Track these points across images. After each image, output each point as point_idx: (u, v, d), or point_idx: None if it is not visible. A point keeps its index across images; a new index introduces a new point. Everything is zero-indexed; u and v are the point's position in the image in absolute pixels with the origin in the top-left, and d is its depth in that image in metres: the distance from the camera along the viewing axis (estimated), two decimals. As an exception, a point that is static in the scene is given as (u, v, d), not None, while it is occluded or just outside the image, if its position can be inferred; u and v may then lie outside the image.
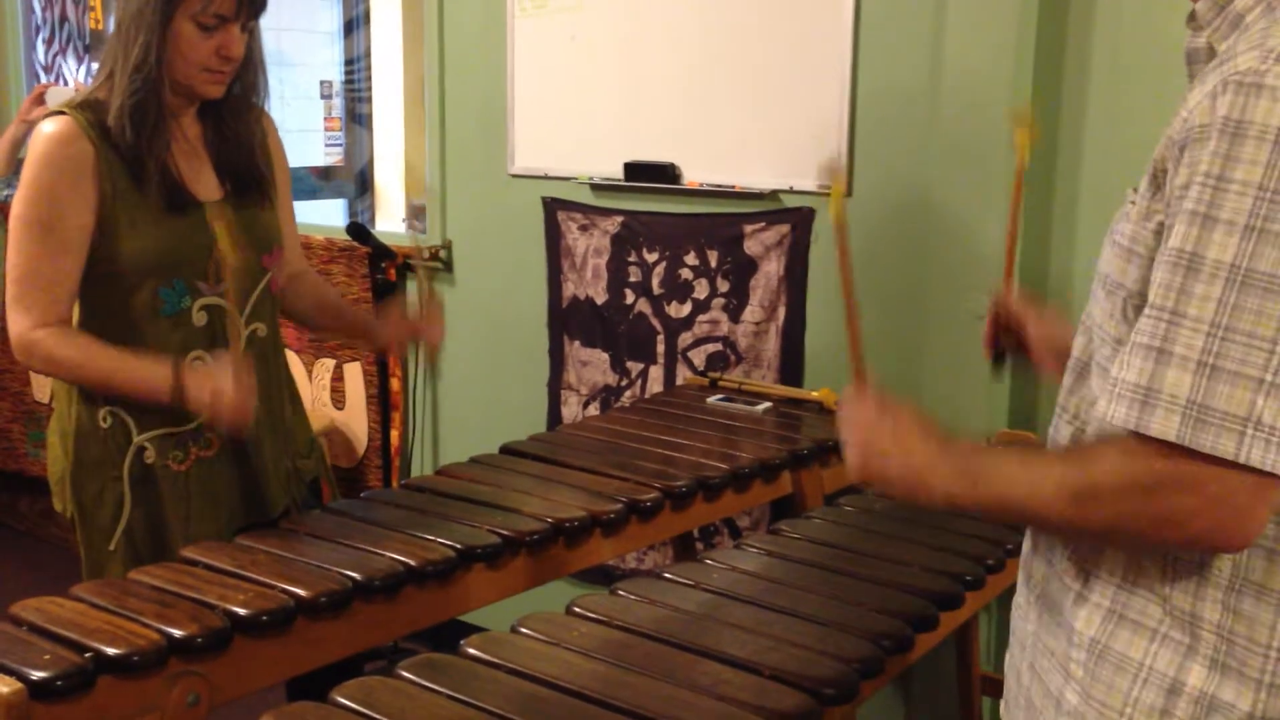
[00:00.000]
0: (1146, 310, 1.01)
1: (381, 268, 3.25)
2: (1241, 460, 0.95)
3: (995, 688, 2.53)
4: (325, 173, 5.07)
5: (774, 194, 2.81)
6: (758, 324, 2.88)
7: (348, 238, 3.27)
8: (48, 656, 1.45)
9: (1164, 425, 0.98)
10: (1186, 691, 1.07)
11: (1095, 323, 1.16)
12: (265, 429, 2.10)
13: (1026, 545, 1.29)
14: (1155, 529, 1.02)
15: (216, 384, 1.86)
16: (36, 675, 1.41)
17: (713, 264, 2.92)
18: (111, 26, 1.97)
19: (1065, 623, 1.17)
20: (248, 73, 2.04)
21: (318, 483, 2.30)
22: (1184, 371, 0.97)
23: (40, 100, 3.79)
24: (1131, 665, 1.10)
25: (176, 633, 1.54)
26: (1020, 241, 1.89)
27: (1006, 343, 1.64)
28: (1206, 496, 0.98)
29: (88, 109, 1.94)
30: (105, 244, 1.94)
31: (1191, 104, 1.02)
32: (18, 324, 1.92)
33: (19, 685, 1.39)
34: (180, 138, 2.01)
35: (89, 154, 1.91)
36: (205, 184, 2.03)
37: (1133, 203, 1.11)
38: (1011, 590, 2.00)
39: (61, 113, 1.94)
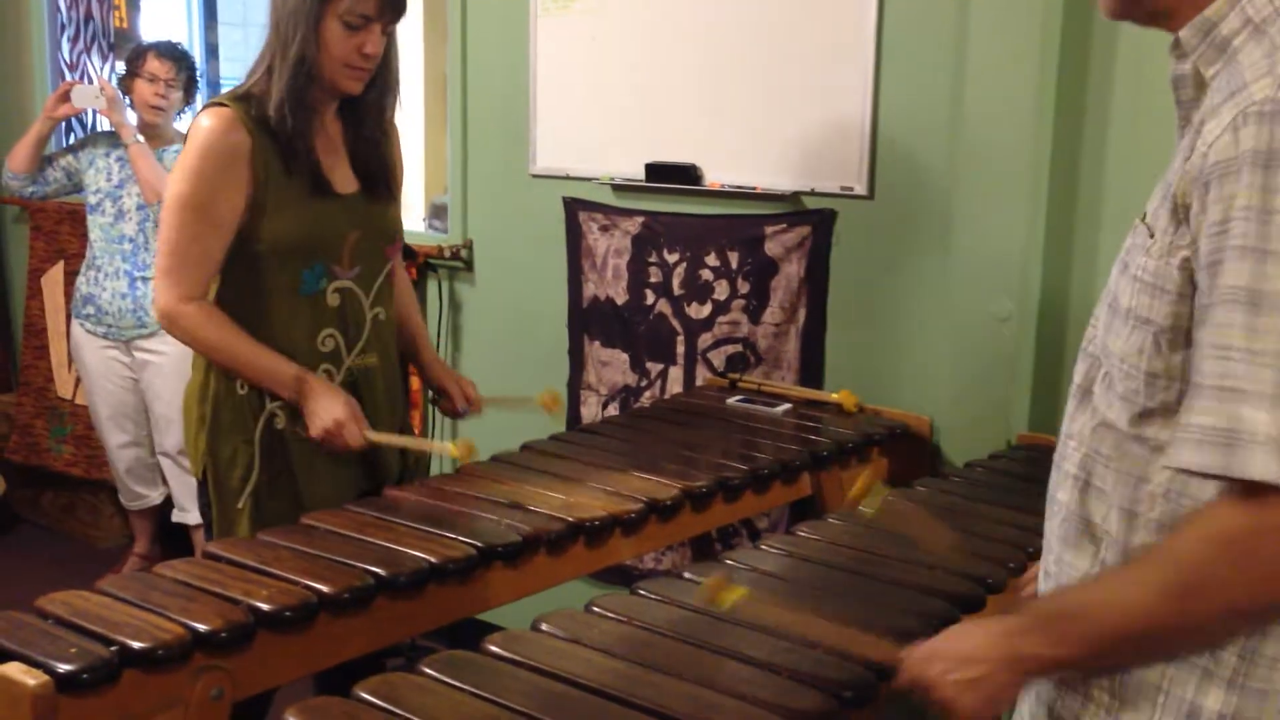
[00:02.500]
0: (1208, 351, 0.98)
1: (403, 267, 3.26)
2: None
3: (1013, 691, 2.52)
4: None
5: (795, 195, 2.81)
6: (778, 325, 2.88)
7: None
8: (74, 649, 1.47)
9: (1263, 466, 0.92)
10: (1205, 715, 1.07)
11: (1111, 354, 1.14)
12: (384, 403, 2.25)
13: (1045, 555, 1.28)
14: (1268, 587, 0.95)
15: (336, 415, 2.06)
16: (63, 668, 1.43)
17: (733, 265, 2.93)
18: (268, 21, 2.11)
19: None
20: (383, 75, 2.18)
21: (419, 460, 2.43)
22: (1259, 410, 0.93)
23: (65, 98, 3.81)
24: (1150, 690, 1.09)
25: (201, 627, 1.55)
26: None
27: None
28: None
29: (245, 101, 2.09)
30: (254, 225, 2.09)
31: (1210, 138, 1.01)
32: (166, 294, 2.09)
33: (46, 677, 1.40)
34: (322, 133, 2.16)
35: (246, 143, 2.06)
36: (342, 177, 2.19)
37: (1151, 237, 1.09)
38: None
39: (221, 104, 2.09)
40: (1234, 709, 1.06)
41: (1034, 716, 1.24)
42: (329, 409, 2.07)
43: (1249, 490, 0.94)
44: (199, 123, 2.09)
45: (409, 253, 3.24)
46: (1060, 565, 1.21)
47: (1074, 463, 1.18)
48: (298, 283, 2.12)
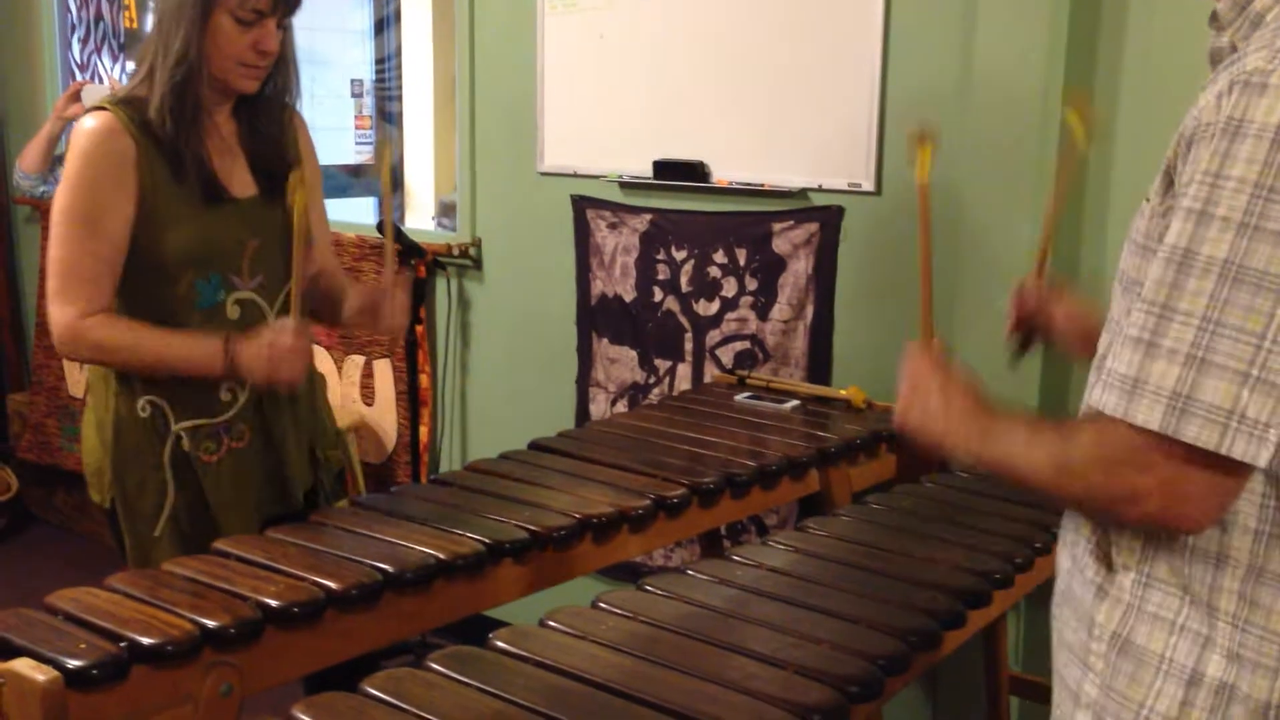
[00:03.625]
0: (1138, 304, 1.03)
1: (412, 265, 3.27)
2: (1224, 452, 0.98)
3: (1023, 688, 2.52)
4: (356, 170, 5.09)
5: (803, 192, 2.81)
6: (786, 322, 2.88)
7: (378, 235, 3.30)
8: (83, 646, 1.47)
9: (1148, 415, 1.00)
10: (1206, 682, 1.08)
11: (1113, 320, 1.18)
12: (290, 420, 2.14)
13: (1059, 542, 1.30)
14: (1115, 504, 1.06)
15: (275, 339, 1.93)
16: (73, 664, 1.43)
17: (741, 262, 2.93)
18: (150, 23, 2.01)
19: (1085, 616, 1.18)
20: (281, 71, 2.08)
21: (343, 473, 2.34)
22: (1172, 364, 1.00)
23: (75, 98, 3.84)
24: (1152, 658, 1.11)
25: (210, 623, 1.56)
26: (1055, 233, 1.89)
27: (1032, 328, 1.64)
28: (1161, 478, 1.02)
29: (128, 105, 1.98)
30: (145, 236, 1.97)
31: (1201, 103, 1.04)
32: (63, 315, 1.95)
33: (55, 673, 1.41)
34: (215, 134, 2.05)
35: (130, 148, 1.95)
36: (239, 181, 2.07)
37: (1148, 201, 1.13)
38: (1041, 589, 1.99)
39: (102, 108, 1.98)
40: (1234, 677, 1.08)
41: (1059, 689, 1.26)
42: (258, 342, 1.93)
43: (1132, 432, 1.02)
44: (79, 128, 1.96)
45: (417, 251, 3.25)
46: (1078, 535, 1.23)
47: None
48: (194, 296, 2.00)
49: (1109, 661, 1.14)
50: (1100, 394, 1.05)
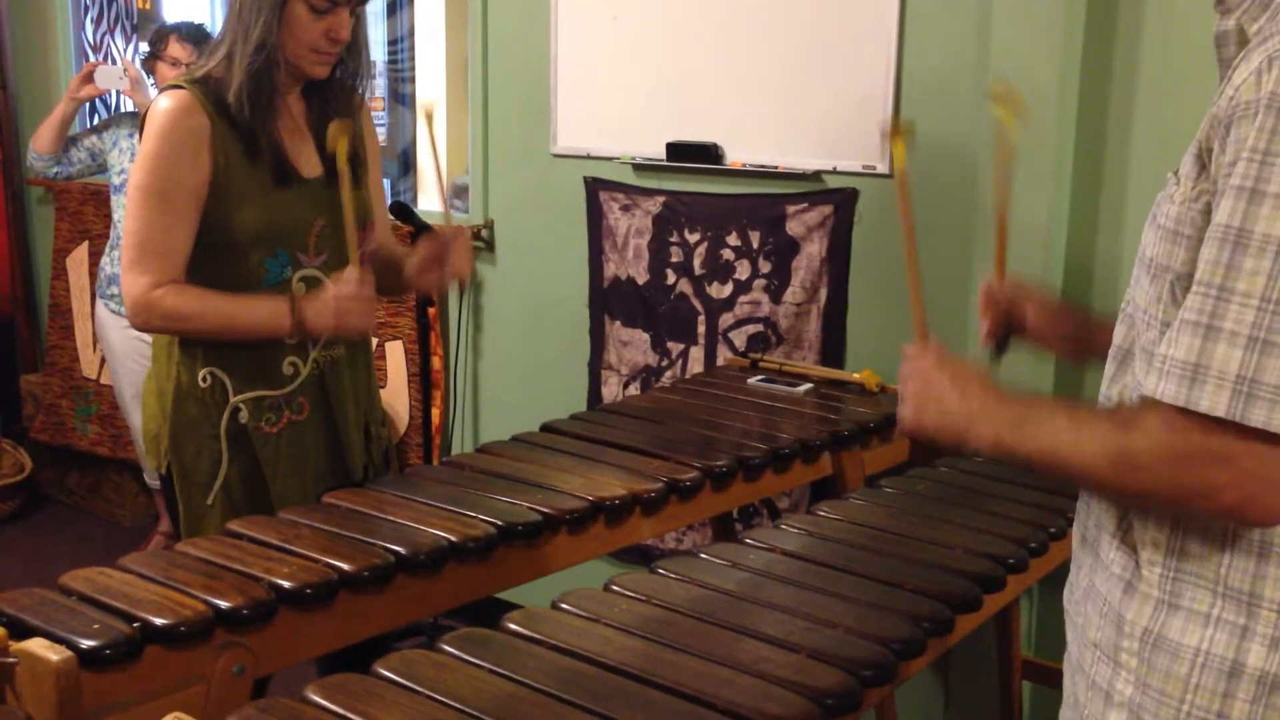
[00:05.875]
0: (1194, 287, 1.00)
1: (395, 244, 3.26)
2: None
3: (1037, 672, 2.52)
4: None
5: (817, 174, 2.80)
6: (799, 305, 2.87)
7: (391, 217, 3.29)
8: (97, 626, 1.48)
9: (1213, 401, 0.97)
10: (1247, 673, 1.07)
11: (1139, 308, 1.15)
12: (350, 395, 2.20)
13: (1076, 537, 1.28)
14: (1188, 499, 1.03)
15: (338, 291, 2.00)
16: (86, 644, 1.44)
17: (754, 245, 2.91)
18: (226, 8, 2.09)
19: (1113, 613, 1.16)
20: (352, 57, 2.14)
21: (388, 452, 2.39)
22: (1233, 347, 0.97)
23: (89, 79, 3.83)
24: (1188, 651, 1.10)
25: (223, 604, 1.56)
26: (1008, 231, 1.87)
27: (1005, 329, 1.63)
28: (1240, 470, 0.99)
29: (204, 84, 2.04)
30: (216, 213, 2.03)
31: (1238, 81, 1.02)
32: (136, 285, 2.02)
33: (69, 653, 1.41)
34: (286, 115, 2.11)
35: (205, 126, 2.01)
36: (307, 162, 2.12)
37: (1176, 185, 1.10)
38: (1055, 573, 1.99)
39: (179, 87, 2.03)
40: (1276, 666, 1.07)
41: (1073, 685, 1.25)
42: (323, 297, 2.01)
43: (1202, 421, 0.99)
44: (156, 106, 2.03)
45: (429, 232, 3.24)
46: (1100, 531, 1.21)
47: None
48: (262, 272, 2.07)
49: (1143, 659, 1.12)
50: (1158, 382, 1.02)
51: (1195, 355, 0.99)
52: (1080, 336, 1.55)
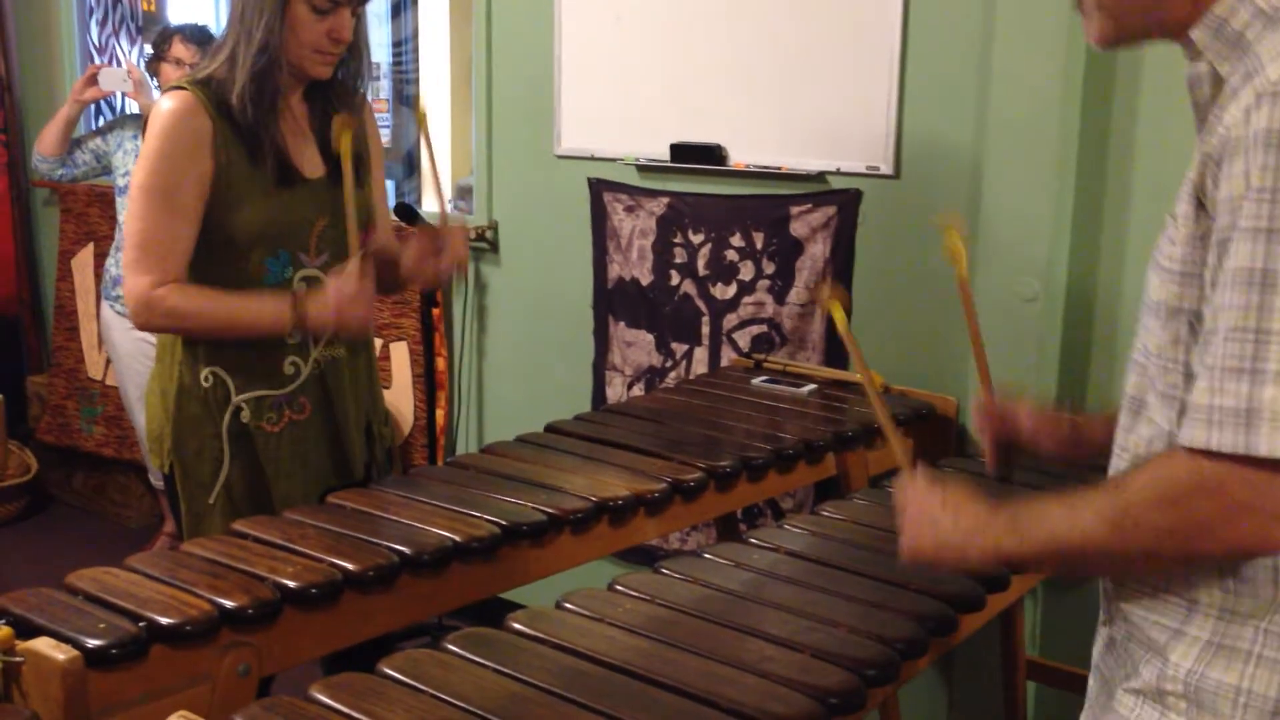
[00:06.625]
0: (1225, 334, 1.00)
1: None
2: None
3: (1040, 672, 2.52)
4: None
5: (821, 175, 2.80)
6: (803, 306, 2.87)
7: (395, 218, 3.29)
8: (103, 625, 1.48)
9: (1272, 444, 0.96)
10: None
11: (1151, 354, 1.15)
12: (350, 394, 2.21)
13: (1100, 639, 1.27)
14: (1191, 539, 1.02)
15: (338, 287, 1.99)
16: (92, 643, 1.44)
17: (758, 245, 2.92)
18: (229, 9, 2.08)
19: (1158, 656, 1.15)
20: (353, 57, 2.14)
21: (390, 451, 2.40)
22: None
23: (93, 81, 3.84)
24: (1229, 691, 1.09)
25: (228, 604, 1.56)
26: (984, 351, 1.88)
27: (1006, 446, 1.59)
28: (1246, 502, 0.99)
29: (206, 85, 2.04)
30: (217, 214, 2.04)
31: (1229, 120, 1.02)
32: (137, 284, 2.02)
33: (75, 652, 1.42)
34: (288, 116, 2.12)
35: (207, 127, 2.02)
36: (309, 162, 2.14)
37: (1175, 227, 1.11)
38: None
39: (181, 88, 2.04)
40: None
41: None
42: (323, 294, 2.01)
43: (1208, 454, 0.99)
44: (159, 107, 2.04)
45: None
46: (1140, 584, 1.20)
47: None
48: (263, 272, 2.08)
49: (1190, 699, 1.12)
50: (1208, 433, 1.00)
51: (1245, 401, 0.98)
52: (1074, 439, 1.53)
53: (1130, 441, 1.19)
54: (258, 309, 2.04)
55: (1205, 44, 1.10)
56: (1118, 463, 1.22)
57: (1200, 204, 1.06)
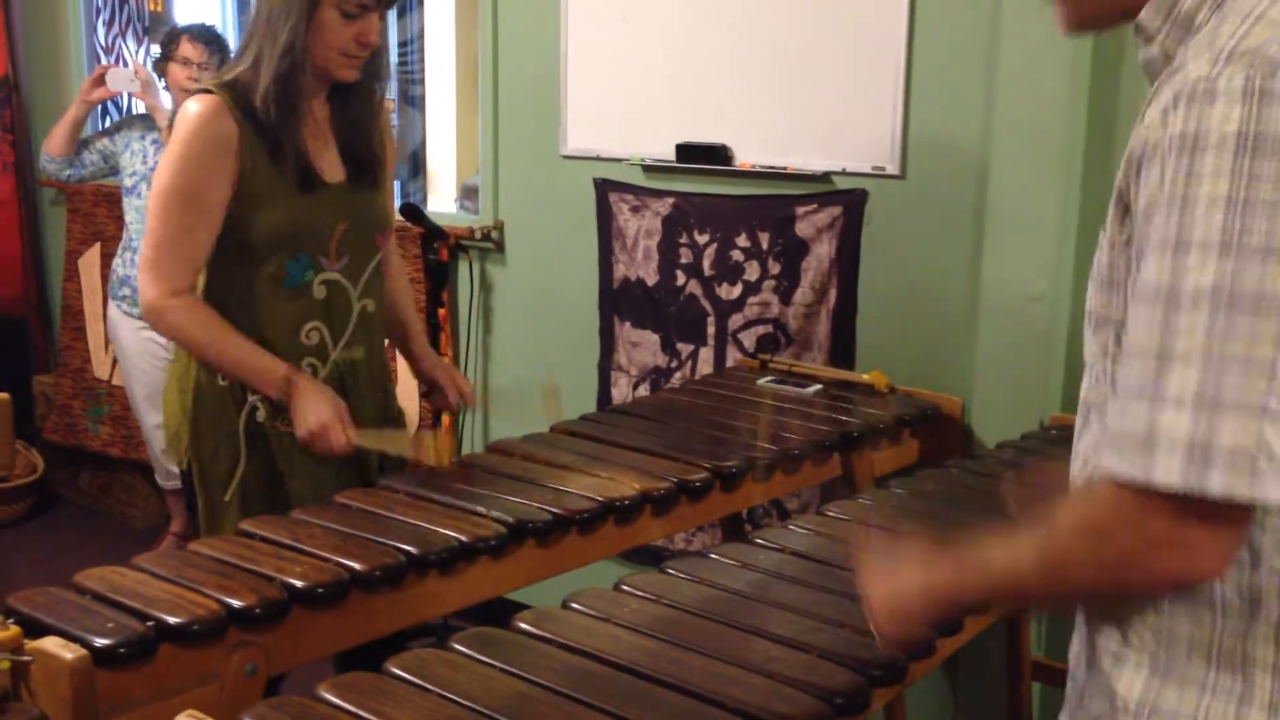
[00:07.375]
0: (1130, 353, 0.94)
1: (434, 248, 3.28)
2: (1259, 499, 0.88)
3: (1045, 674, 2.52)
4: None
5: (826, 176, 2.80)
6: (809, 306, 2.87)
7: (401, 218, 3.30)
8: (111, 624, 1.49)
9: (1167, 474, 0.89)
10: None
11: (1088, 364, 1.11)
12: (367, 396, 2.22)
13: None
14: (1116, 570, 0.95)
15: (322, 418, 2.03)
16: (100, 642, 1.45)
17: (764, 246, 2.92)
18: (253, 12, 2.08)
19: (1105, 687, 1.10)
20: (374, 59, 2.15)
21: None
22: (1180, 413, 0.89)
23: (100, 82, 3.85)
24: None
25: (236, 603, 1.57)
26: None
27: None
28: (1165, 537, 0.92)
29: (232, 88, 2.05)
30: (239, 216, 2.06)
31: (1148, 120, 0.96)
32: (150, 289, 2.05)
33: (83, 651, 1.42)
34: (310, 119, 2.13)
35: (233, 131, 2.03)
36: (330, 165, 2.15)
37: (1104, 233, 1.05)
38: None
39: (208, 91, 2.05)
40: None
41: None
42: (316, 411, 2.03)
43: (1127, 483, 0.92)
44: (185, 110, 2.04)
45: (439, 233, 3.25)
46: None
47: (1081, 478, 1.14)
48: (283, 275, 2.09)
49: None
50: (1117, 460, 0.93)
51: (1145, 426, 0.90)
52: None
53: (1080, 447, 1.15)
54: (252, 367, 2.06)
55: (1155, 27, 1.03)
56: (1072, 468, 1.18)
57: (1126, 207, 1.00)
